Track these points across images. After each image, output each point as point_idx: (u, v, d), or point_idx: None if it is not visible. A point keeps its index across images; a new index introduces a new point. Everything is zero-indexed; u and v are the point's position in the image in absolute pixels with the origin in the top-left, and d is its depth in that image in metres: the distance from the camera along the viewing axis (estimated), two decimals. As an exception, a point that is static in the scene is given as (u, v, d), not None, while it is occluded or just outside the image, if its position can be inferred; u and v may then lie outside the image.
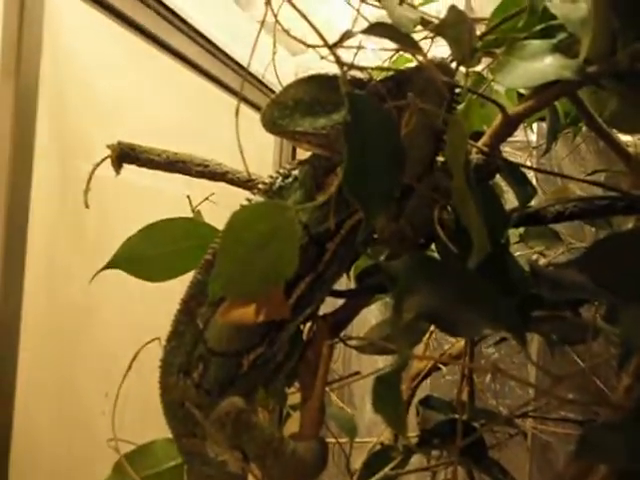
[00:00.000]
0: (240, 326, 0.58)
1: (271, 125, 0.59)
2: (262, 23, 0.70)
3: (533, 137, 1.29)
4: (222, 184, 0.89)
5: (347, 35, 0.49)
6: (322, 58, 0.49)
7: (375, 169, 0.48)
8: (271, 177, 0.62)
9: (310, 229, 0.58)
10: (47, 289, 0.92)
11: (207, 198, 0.93)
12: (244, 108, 1.35)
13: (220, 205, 0.87)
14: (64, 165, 0.92)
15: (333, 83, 0.57)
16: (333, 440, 0.87)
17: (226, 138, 1.05)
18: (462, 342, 0.91)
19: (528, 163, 1.21)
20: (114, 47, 1.04)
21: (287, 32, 0.63)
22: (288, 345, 0.62)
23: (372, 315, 1.25)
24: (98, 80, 1.00)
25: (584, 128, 1.11)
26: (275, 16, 0.63)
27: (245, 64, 1.25)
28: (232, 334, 0.60)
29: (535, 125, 1.28)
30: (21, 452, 0.84)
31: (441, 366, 0.87)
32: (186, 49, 1.13)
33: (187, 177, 0.91)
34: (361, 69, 0.51)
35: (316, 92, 0.58)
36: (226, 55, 1.22)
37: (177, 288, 0.68)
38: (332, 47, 0.49)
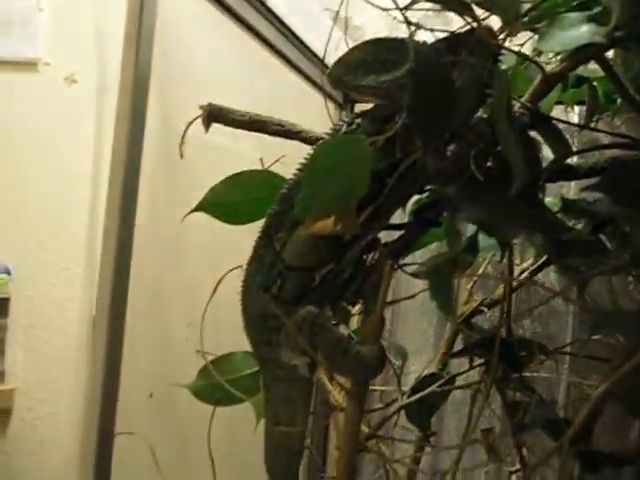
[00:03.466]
0: (314, 245, 0.70)
1: (337, 81, 0.70)
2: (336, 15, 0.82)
3: (575, 119, 1.36)
4: (292, 149, 1.02)
5: (415, 1, 0.61)
6: (394, 19, 0.61)
7: (433, 107, 0.59)
8: (336, 125, 0.73)
9: (372, 166, 0.69)
10: (149, 227, 1.07)
11: (278, 160, 1.06)
12: (309, 88, 1.48)
13: (289, 167, 1.00)
14: (164, 125, 1.07)
15: (392, 45, 0.67)
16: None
17: (291, 114, 1.18)
18: (501, 289, 1.01)
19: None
20: (209, 28, 1.20)
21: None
22: (352, 268, 0.74)
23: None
24: (193, 54, 1.15)
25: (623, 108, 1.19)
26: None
27: (308, 44, 1.40)
28: (307, 252, 0.71)
29: (577, 109, 1.36)
30: (127, 368, 0.99)
31: (484, 309, 0.97)
32: (267, 32, 1.28)
33: (262, 144, 1.04)
34: (426, 29, 0.62)
35: (378, 53, 0.67)
36: (297, 38, 1.36)
37: (252, 233, 0.80)
38: (403, 9, 0.60)
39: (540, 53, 0.89)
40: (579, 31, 0.68)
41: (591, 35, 0.66)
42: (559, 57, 0.93)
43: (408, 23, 0.59)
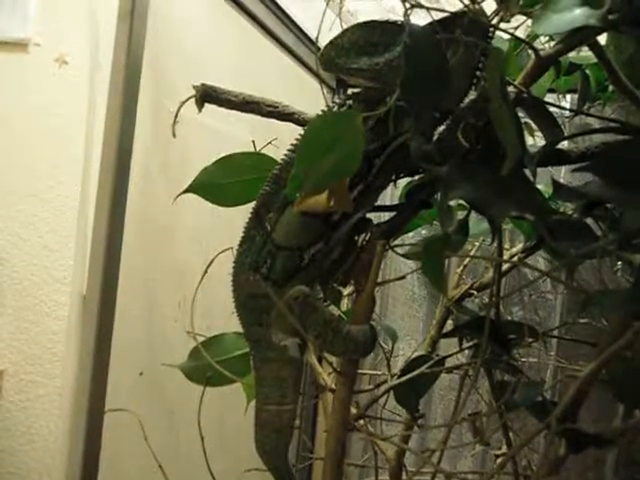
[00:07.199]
0: (303, 224, 0.70)
1: (329, 64, 0.70)
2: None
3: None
4: (284, 131, 1.02)
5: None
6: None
7: (425, 84, 0.59)
8: (328, 106, 0.73)
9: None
10: (141, 208, 1.07)
11: (270, 142, 1.06)
12: (303, 73, 1.49)
13: (281, 149, 1.00)
14: (156, 105, 1.07)
15: (385, 27, 0.67)
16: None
17: (284, 97, 1.19)
18: (490, 273, 1.02)
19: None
20: (203, 7, 1.19)
21: None
22: (342, 248, 0.74)
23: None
24: (187, 34, 1.15)
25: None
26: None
27: (304, 29, 1.40)
28: (296, 232, 0.72)
29: (569, 97, 1.37)
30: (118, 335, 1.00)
31: (473, 292, 0.98)
32: (262, 15, 1.28)
33: (252, 126, 1.04)
34: (421, 7, 0.62)
35: (369, 35, 0.67)
36: (292, 21, 1.37)
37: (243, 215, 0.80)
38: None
39: (534, 38, 0.90)
40: (573, 14, 0.68)
41: (585, 18, 0.66)
42: (552, 44, 0.94)
43: (403, 1, 0.59)
